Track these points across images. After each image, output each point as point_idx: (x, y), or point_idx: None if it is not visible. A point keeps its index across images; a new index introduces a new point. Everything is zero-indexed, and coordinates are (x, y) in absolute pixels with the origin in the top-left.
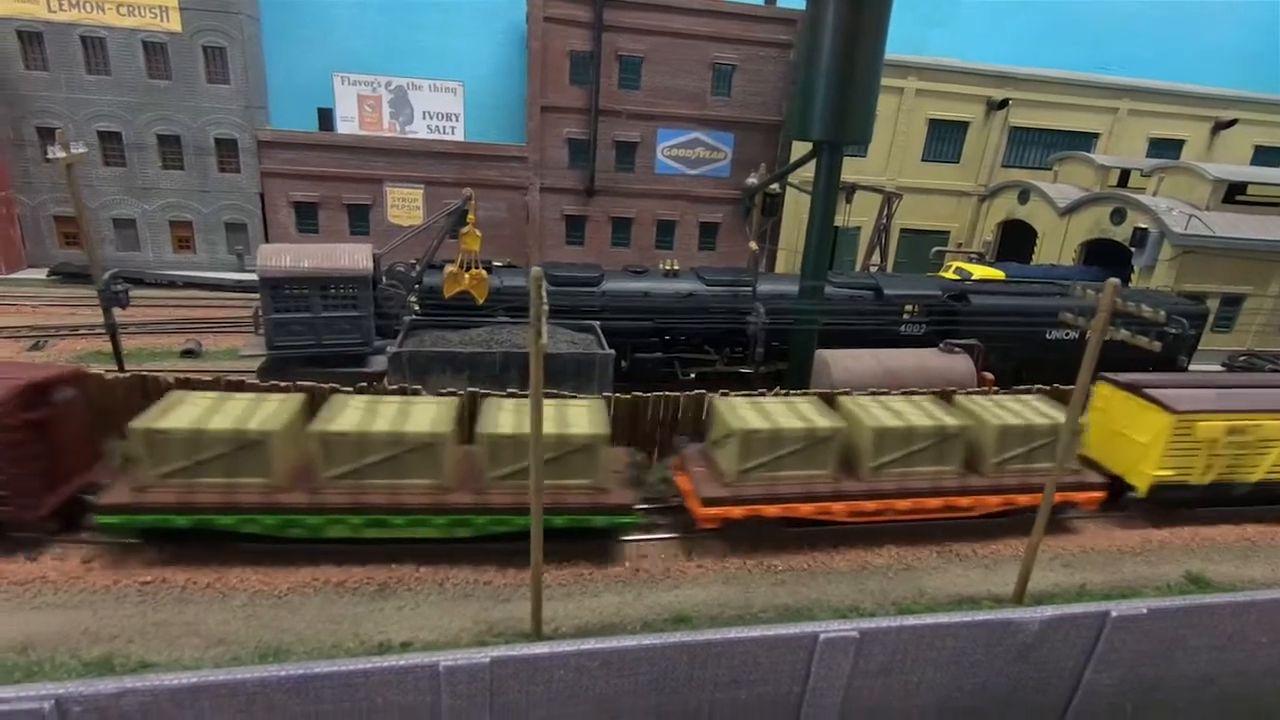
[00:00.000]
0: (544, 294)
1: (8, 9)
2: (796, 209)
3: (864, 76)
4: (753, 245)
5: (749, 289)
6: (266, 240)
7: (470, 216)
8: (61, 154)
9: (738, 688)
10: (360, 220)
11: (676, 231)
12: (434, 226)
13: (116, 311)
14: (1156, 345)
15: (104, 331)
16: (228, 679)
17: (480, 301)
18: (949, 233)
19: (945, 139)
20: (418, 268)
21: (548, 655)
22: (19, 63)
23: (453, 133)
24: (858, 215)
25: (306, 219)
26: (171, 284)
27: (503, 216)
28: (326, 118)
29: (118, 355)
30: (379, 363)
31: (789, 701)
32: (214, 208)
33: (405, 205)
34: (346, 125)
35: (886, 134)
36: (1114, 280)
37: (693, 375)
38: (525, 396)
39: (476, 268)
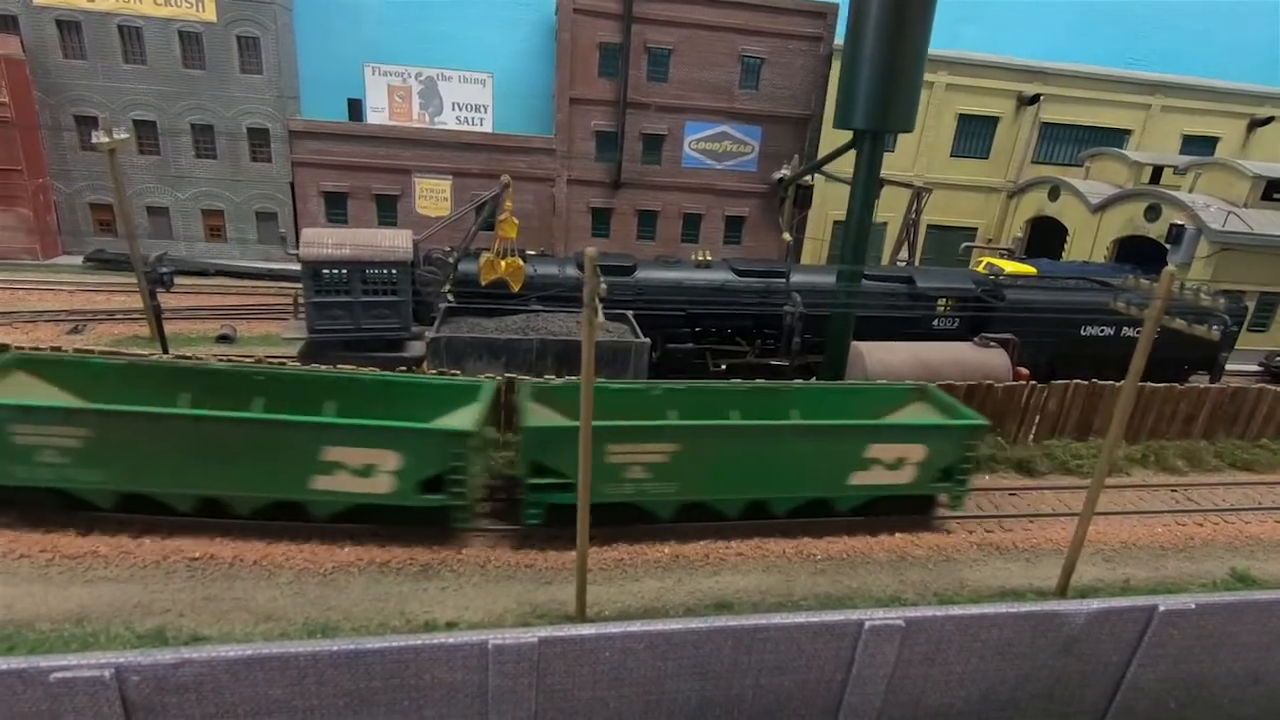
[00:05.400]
0: (598, 274)
1: None
2: (822, 200)
3: (908, 66)
4: (786, 236)
5: (781, 279)
6: (296, 230)
7: (508, 204)
8: (105, 139)
9: (781, 674)
10: (388, 211)
11: (702, 225)
12: (471, 214)
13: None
14: (1216, 334)
15: (141, 316)
16: (280, 652)
17: (516, 289)
18: (976, 228)
19: (975, 134)
20: (455, 255)
21: (594, 636)
22: (58, 51)
23: (481, 124)
24: (884, 210)
25: (336, 209)
26: (203, 271)
27: (530, 208)
28: (356, 108)
29: (161, 337)
30: (415, 348)
31: (831, 689)
32: (245, 197)
33: (433, 196)
34: (377, 116)
35: (916, 128)
36: (1171, 268)
37: (724, 366)
38: (555, 380)
39: (513, 256)
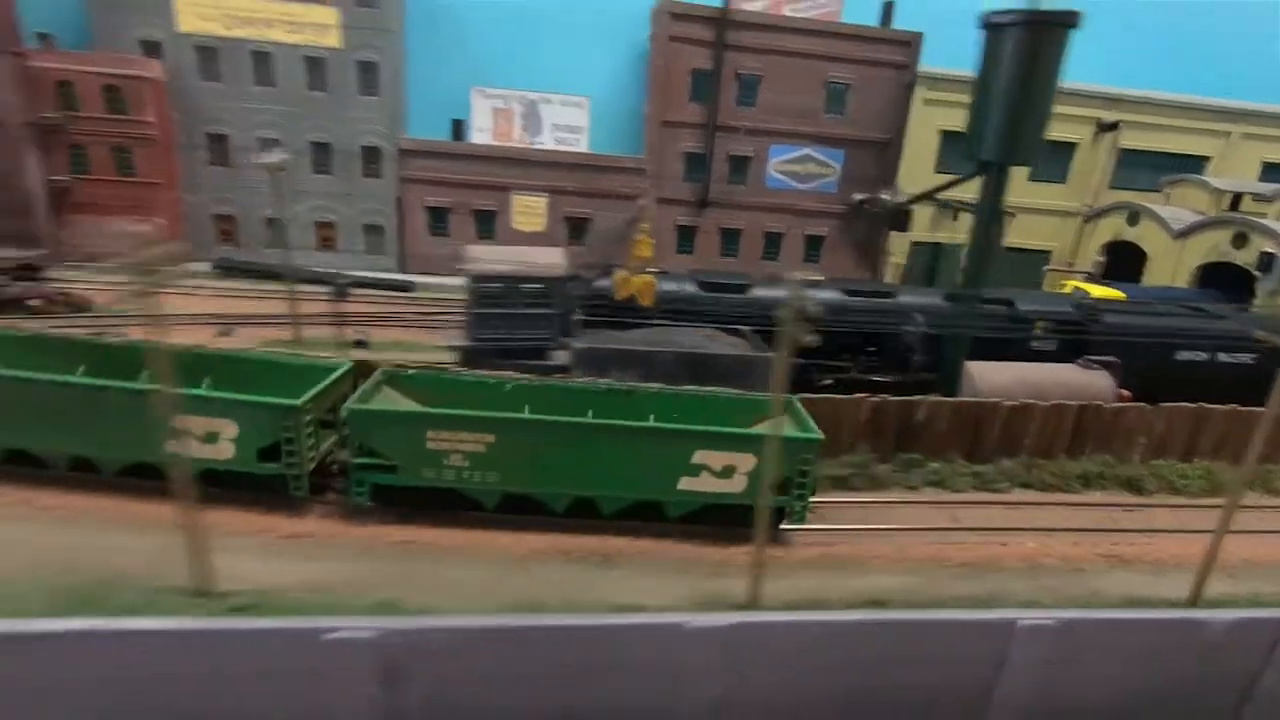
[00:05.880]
0: (803, 299)
1: (191, 26)
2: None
3: (1037, 103)
4: (895, 260)
5: (887, 299)
6: (401, 244)
7: (644, 225)
8: (271, 160)
9: (929, 669)
10: (486, 225)
11: (783, 243)
12: (610, 232)
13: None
14: None
15: (278, 321)
16: (511, 625)
17: (647, 305)
18: (1050, 252)
19: (1053, 159)
20: (594, 271)
21: (786, 624)
22: (195, 75)
23: (577, 144)
24: (960, 233)
25: (438, 223)
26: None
27: (618, 225)
28: (458, 128)
29: (350, 342)
30: (558, 357)
31: (980, 687)
32: (356, 210)
33: (529, 212)
34: (480, 136)
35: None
36: None
37: (829, 381)
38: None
39: (645, 274)
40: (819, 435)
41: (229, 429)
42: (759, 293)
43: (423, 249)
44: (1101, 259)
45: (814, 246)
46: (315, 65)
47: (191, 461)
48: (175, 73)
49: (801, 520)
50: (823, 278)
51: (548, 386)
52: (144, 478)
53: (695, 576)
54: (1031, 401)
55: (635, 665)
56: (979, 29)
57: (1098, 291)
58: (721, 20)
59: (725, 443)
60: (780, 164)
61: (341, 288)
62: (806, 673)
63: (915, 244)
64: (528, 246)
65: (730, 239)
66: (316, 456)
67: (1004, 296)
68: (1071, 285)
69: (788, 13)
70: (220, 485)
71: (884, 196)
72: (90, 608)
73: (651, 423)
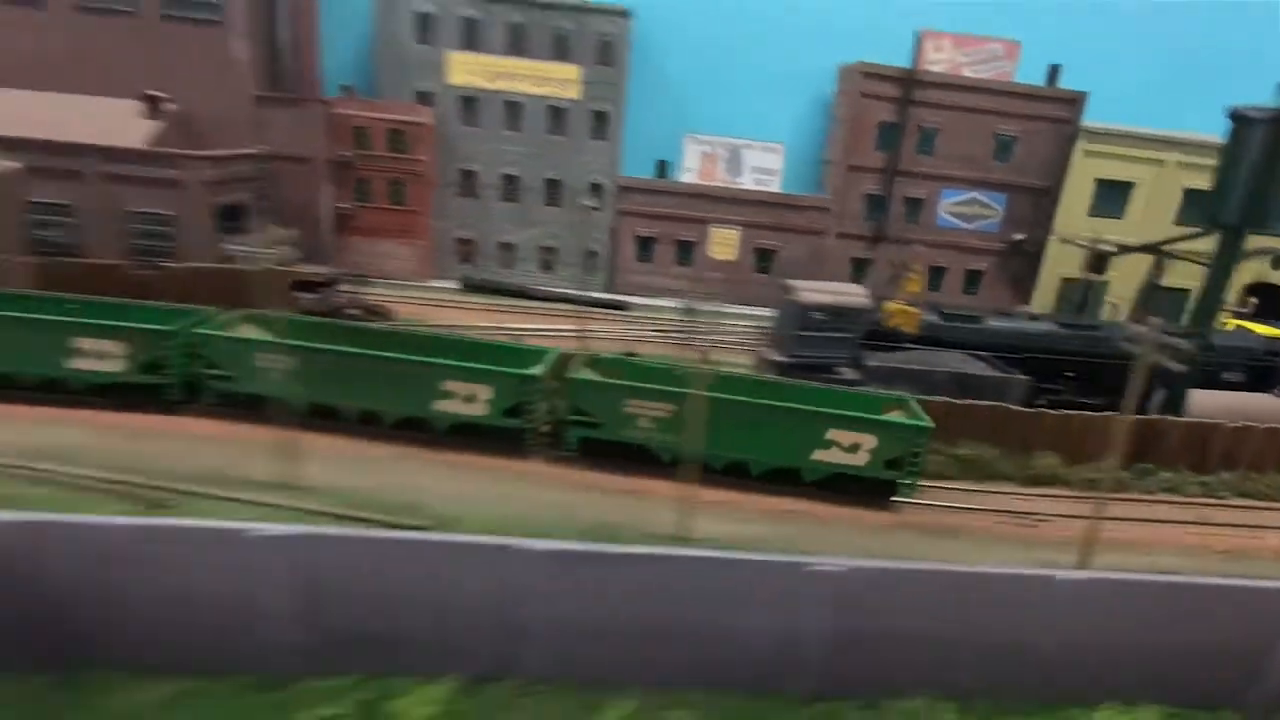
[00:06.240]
0: (1160, 335)
1: (459, 80)
2: (1054, 262)
3: (1277, 179)
4: (1112, 303)
5: (1095, 331)
6: (612, 269)
7: (916, 267)
8: (588, 203)
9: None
10: (685, 254)
11: (945, 277)
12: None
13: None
14: None
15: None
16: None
17: (910, 332)
18: (1189, 291)
19: (1196, 205)
20: (871, 303)
21: (898, 571)
22: (458, 120)
23: (771, 185)
24: (1111, 272)
25: (644, 250)
26: (546, 298)
27: (801, 256)
28: (662, 168)
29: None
30: (846, 373)
31: (1250, 652)
32: (575, 238)
33: (724, 243)
34: (688, 175)
35: (1141, 200)
36: None
37: (1044, 402)
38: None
39: (912, 307)
40: (929, 423)
41: (484, 392)
42: (993, 323)
43: (629, 273)
44: (1253, 299)
45: (973, 280)
46: (556, 114)
47: (455, 416)
48: (441, 119)
49: (911, 494)
50: (1039, 312)
51: (710, 373)
52: (415, 429)
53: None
54: (1251, 424)
55: (758, 597)
56: (1227, 118)
57: (1262, 330)
58: (909, 80)
59: (852, 424)
60: (950, 206)
61: (692, 310)
62: (910, 621)
63: (1065, 280)
64: (832, 282)
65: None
66: (543, 417)
67: (1196, 331)
68: (1233, 324)
69: (966, 73)
70: (469, 435)
71: (1102, 247)
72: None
73: (792, 404)
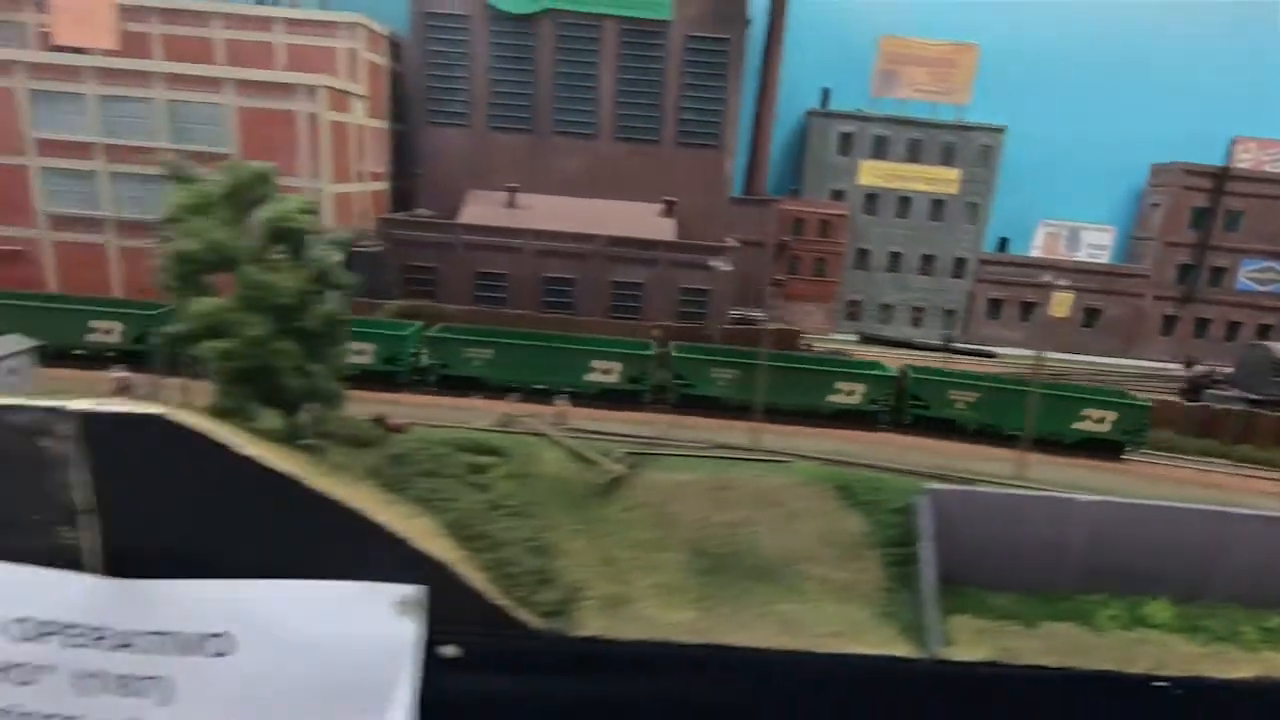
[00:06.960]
0: None
1: (866, 181)
2: None
3: None
4: None
5: None
6: (967, 321)
7: None
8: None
9: None
10: (1026, 313)
11: (1239, 330)
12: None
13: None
14: None
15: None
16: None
17: None
18: None
19: None
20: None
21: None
22: (860, 211)
23: (1101, 258)
24: None
25: (992, 312)
26: (927, 348)
27: (1121, 315)
28: (1003, 244)
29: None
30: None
31: None
32: (939, 300)
33: (1061, 304)
34: (1035, 251)
35: None
36: None
37: None
38: None
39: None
40: (1148, 403)
41: (860, 388)
42: None
43: (980, 327)
44: None
45: (1262, 334)
46: (937, 205)
47: (838, 405)
48: (850, 211)
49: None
50: None
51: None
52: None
53: None
54: None
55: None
56: None
57: None
58: (1222, 175)
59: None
60: (1248, 273)
61: (969, 354)
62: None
63: None
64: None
65: (1201, 326)
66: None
67: None
68: None
69: (1268, 168)
70: (846, 419)
71: None
72: None
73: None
